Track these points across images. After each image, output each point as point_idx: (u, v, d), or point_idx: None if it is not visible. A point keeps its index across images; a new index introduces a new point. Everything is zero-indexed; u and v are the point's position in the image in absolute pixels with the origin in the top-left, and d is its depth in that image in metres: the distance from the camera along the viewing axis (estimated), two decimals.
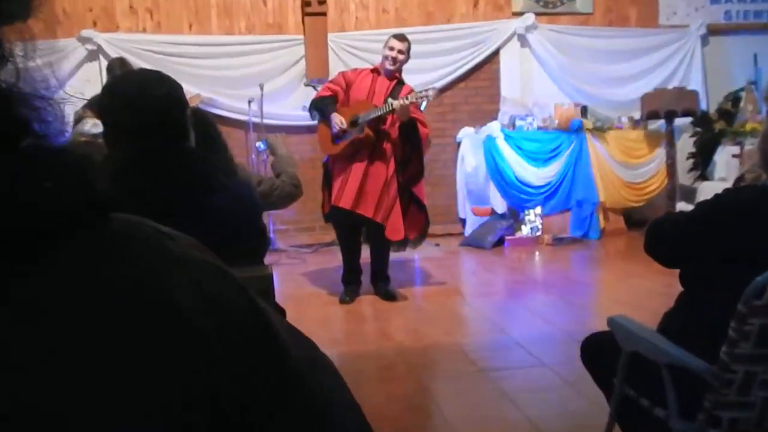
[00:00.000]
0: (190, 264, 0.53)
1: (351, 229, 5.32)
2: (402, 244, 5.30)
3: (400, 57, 5.06)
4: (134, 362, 0.47)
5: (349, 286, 5.39)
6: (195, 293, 0.51)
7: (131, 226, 0.53)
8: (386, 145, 5.08)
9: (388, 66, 5.07)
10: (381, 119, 5.02)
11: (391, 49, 5.04)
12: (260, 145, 3.72)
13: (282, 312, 2.68)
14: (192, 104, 6.27)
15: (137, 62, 6.55)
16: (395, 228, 5.13)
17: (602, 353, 2.34)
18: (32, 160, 0.48)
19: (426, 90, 4.90)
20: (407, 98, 4.84)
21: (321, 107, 5.13)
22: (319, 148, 5.35)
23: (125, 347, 0.47)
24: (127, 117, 1.78)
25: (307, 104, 7.17)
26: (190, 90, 6.77)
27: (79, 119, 5.44)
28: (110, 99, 1.86)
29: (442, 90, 7.41)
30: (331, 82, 5.32)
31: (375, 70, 5.17)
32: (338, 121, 4.98)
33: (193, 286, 0.51)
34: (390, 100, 4.92)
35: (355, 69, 5.44)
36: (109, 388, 0.45)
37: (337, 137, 5.04)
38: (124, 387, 0.46)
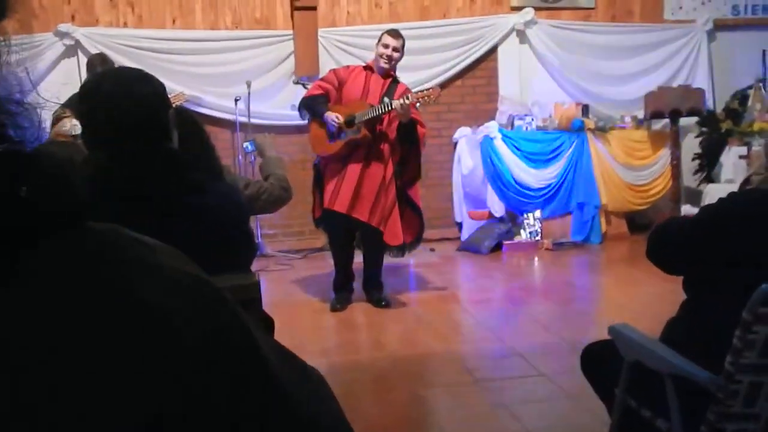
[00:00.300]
0: (168, 273, 0.55)
1: (345, 233, 5.17)
2: (401, 250, 5.19)
3: (395, 55, 4.92)
4: (110, 365, 0.48)
5: (341, 292, 5.25)
6: (173, 300, 0.53)
7: (108, 234, 0.55)
8: (383, 147, 4.95)
9: (383, 64, 4.92)
10: (378, 119, 4.89)
11: (386, 46, 4.88)
12: (248, 145, 3.60)
13: (270, 322, 2.50)
14: (176, 103, 6.09)
15: (117, 58, 6.34)
16: (394, 232, 5.01)
17: (603, 363, 2.35)
18: (7, 166, 0.50)
19: (427, 89, 4.84)
20: (407, 98, 4.69)
21: (312, 106, 4.98)
22: (311, 148, 5.18)
23: (101, 352, 0.48)
24: (106, 118, 1.75)
25: (297, 103, 7.01)
26: (173, 88, 6.55)
27: (58, 119, 5.26)
28: (89, 99, 1.81)
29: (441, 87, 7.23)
30: (322, 80, 5.16)
31: (368, 68, 5.02)
32: (334, 117, 4.81)
33: (171, 293, 0.53)
34: (386, 99, 4.79)
35: (347, 66, 5.28)
36: (82, 390, 0.46)
37: (332, 137, 4.87)
38: (98, 389, 0.47)
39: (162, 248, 0.58)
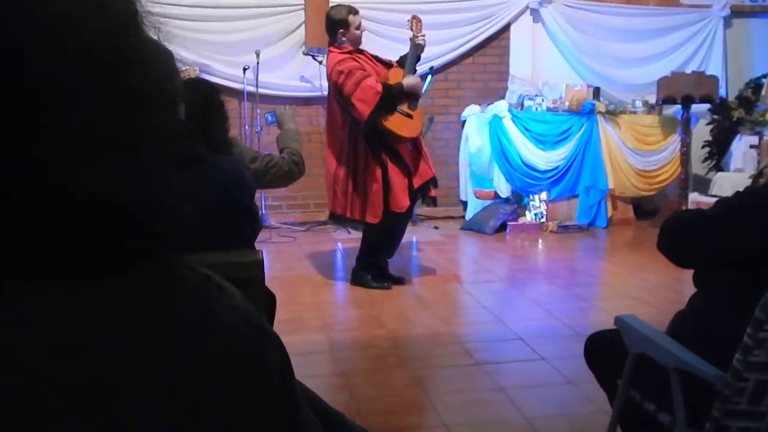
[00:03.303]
0: (229, 327, 0.58)
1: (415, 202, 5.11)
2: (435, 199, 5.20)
3: None
4: (164, 414, 0.51)
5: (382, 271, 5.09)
6: (229, 356, 0.56)
7: (180, 277, 0.57)
8: None
9: (361, 38, 4.89)
10: None
11: (359, 27, 4.84)
12: (268, 116, 3.53)
13: (272, 297, 2.45)
14: (188, 77, 5.96)
15: None
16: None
17: (607, 352, 2.29)
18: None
19: (409, 23, 5.00)
20: (416, 36, 4.91)
21: (391, 94, 4.65)
22: (402, 139, 4.77)
23: (156, 400, 0.51)
24: None
25: (306, 74, 6.96)
26: (182, 55, 6.47)
27: None
28: None
29: (442, 68, 7.18)
30: (364, 78, 4.63)
31: (353, 52, 4.81)
32: (417, 81, 4.82)
33: (227, 350, 0.56)
34: (414, 42, 4.89)
35: (344, 57, 4.76)
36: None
37: (407, 109, 4.77)
38: None
39: (230, 288, 0.61)
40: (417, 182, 4.84)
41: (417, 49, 4.88)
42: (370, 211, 4.74)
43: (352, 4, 5.08)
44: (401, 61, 4.92)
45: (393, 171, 4.71)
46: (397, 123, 4.70)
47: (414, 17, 5.02)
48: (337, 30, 4.75)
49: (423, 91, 4.95)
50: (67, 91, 0.51)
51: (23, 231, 0.49)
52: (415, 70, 4.92)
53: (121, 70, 0.54)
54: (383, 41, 6.72)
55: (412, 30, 4.95)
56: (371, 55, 4.93)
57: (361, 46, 4.88)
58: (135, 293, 0.54)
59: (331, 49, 4.80)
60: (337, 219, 4.99)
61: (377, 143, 4.71)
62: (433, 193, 5.04)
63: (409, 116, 4.76)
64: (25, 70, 0.49)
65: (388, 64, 4.93)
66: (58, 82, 0.51)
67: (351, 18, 4.75)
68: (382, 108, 4.60)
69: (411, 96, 4.76)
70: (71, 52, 0.51)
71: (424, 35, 4.88)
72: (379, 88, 4.58)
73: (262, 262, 1.75)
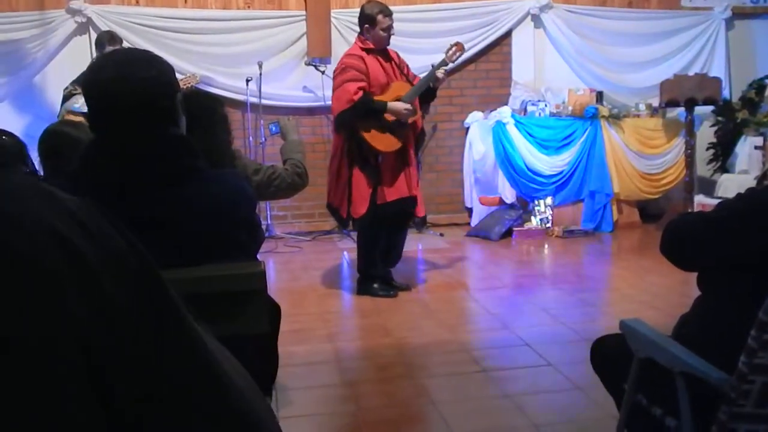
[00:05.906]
0: (68, 204, 0.58)
1: (405, 216, 5.09)
2: (424, 220, 5.19)
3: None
4: (16, 287, 0.50)
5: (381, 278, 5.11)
6: (73, 226, 0.56)
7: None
8: (414, 121, 4.95)
9: (386, 43, 4.85)
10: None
11: (388, 28, 4.79)
12: (272, 127, 3.54)
13: (276, 308, 2.44)
14: (188, 84, 5.96)
15: (129, 36, 6.29)
16: (420, 203, 5.08)
17: (613, 357, 2.27)
18: None
19: (452, 49, 5.02)
20: (445, 63, 4.92)
21: (365, 109, 4.67)
22: (378, 151, 4.79)
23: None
24: (106, 102, 1.71)
25: (309, 84, 6.98)
26: (184, 68, 6.51)
27: (68, 96, 5.25)
28: (92, 82, 1.76)
29: (450, 72, 7.19)
30: (351, 80, 4.69)
31: (370, 51, 4.81)
32: (405, 108, 4.73)
33: (72, 220, 0.56)
34: (434, 70, 4.88)
35: (351, 55, 4.85)
36: None
37: (395, 127, 4.77)
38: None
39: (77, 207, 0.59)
40: (391, 196, 4.83)
41: (435, 78, 4.89)
42: (341, 205, 4.88)
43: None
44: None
45: (357, 177, 4.79)
46: (374, 134, 4.73)
47: (457, 43, 5.09)
48: (363, 24, 4.81)
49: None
50: None
51: None
52: (426, 100, 4.97)
53: None
54: None
55: (447, 53, 4.99)
56: (398, 63, 4.92)
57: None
58: None
59: (356, 41, 4.91)
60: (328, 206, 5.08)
61: (354, 146, 4.78)
62: (422, 213, 5.13)
63: (391, 132, 4.77)
64: None
65: (406, 77, 4.93)
66: None
67: (380, 18, 4.74)
68: (356, 115, 4.66)
69: (398, 119, 4.77)
70: None
71: (445, 72, 4.94)
72: (355, 96, 4.62)
73: (264, 273, 1.75)
